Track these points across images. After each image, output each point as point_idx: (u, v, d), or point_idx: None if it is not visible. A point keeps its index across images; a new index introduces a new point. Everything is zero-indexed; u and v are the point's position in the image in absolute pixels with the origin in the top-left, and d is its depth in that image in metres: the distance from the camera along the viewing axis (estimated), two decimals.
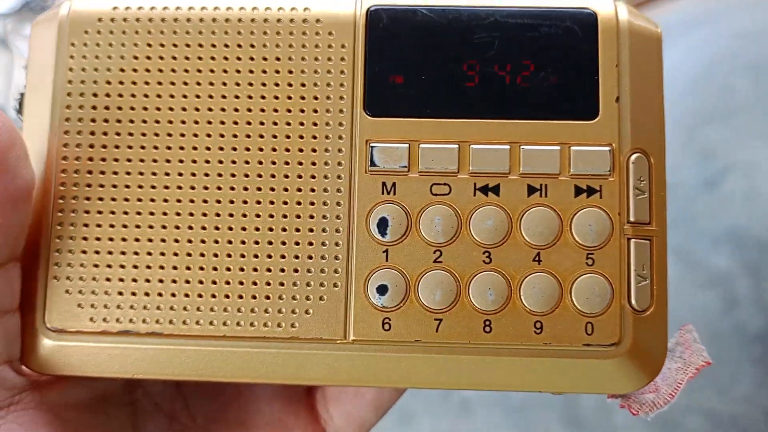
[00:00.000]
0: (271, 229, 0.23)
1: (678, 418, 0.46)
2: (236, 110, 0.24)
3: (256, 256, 0.23)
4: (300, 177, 0.23)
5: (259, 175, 0.23)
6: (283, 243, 0.23)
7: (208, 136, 0.24)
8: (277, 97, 0.24)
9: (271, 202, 0.23)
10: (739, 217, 0.49)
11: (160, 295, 0.23)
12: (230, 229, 0.23)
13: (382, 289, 0.23)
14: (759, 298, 0.47)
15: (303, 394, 0.28)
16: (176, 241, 0.23)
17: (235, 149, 0.23)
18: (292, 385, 0.29)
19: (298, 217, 0.23)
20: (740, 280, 0.47)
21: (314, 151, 0.23)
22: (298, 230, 0.23)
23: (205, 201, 0.23)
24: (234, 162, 0.23)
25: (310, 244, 0.23)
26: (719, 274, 0.48)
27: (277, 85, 0.24)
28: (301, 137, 0.23)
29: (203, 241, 0.23)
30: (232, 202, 0.23)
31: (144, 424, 0.27)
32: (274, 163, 0.23)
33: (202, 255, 0.23)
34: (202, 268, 0.23)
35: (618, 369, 0.22)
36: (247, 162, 0.23)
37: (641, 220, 0.23)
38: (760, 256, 0.48)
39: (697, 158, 0.51)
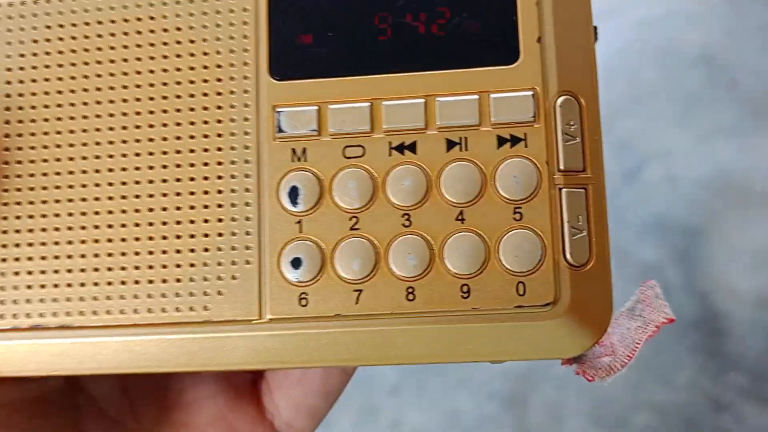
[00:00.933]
0: (178, 208, 0.22)
1: (626, 416, 0.45)
2: (138, 86, 0.22)
3: (164, 237, 0.22)
4: (206, 150, 0.22)
5: (164, 152, 0.22)
6: (192, 221, 0.22)
7: (111, 115, 0.22)
8: (179, 69, 0.22)
9: (178, 180, 0.22)
10: (661, 205, 0.48)
11: (68, 285, 0.22)
12: (137, 211, 0.22)
13: (296, 263, 0.21)
14: (689, 284, 0.46)
15: (248, 388, 0.27)
16: (82, 227, 0.22)
17: (138, 127, 0.22)
18: (235, 379, 0.27)
19: (206, 192, 0.22)
20: (669, 269, 0.46)
21: (219, 121, 0.22)
22: (206, 207, 0.22)
23: (110, 184, 0.22)
24: (138, 140, 0.22)
25: (220, 220, 0.22)
26: (648, 264, 0.47)
27: (178, 56, 0.22)
28: (206, 108, 0.22)
29: (110, 226, 0.22)
30: (137, 182, 0.22)
31: (88, 428, 0.26)
32: (179, 138, 0.22)
33: (109, 240, 0.22)
34: (110, 255, 0.22)
35: (557, 330, 0.20)
36: (151, 139, 0.22)
37: (573, 167, 0.21)
38: (685, 242, 0.47)
39: (614, 151, 0.50)
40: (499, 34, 0.21)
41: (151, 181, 0.22)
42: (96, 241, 0.22)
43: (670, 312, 0.24)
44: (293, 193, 0.21)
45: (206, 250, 0.22)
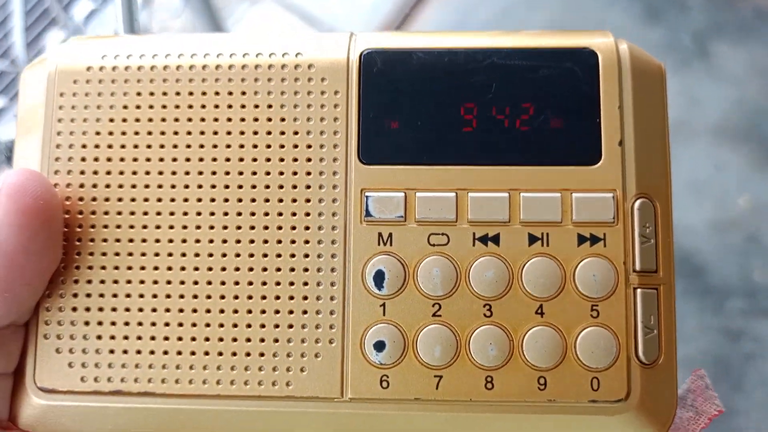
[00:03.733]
0: (264, 283, 0.22)
1: None
2: (227, 160, 0.23)
3: (249, 311, 0.22)
4: (293, 228, 0.23)
5: (252, 227, 0.23)
6: (277, 297, 0.22)
7: (200, 187, 0.23)
8: (269, 146, 0.23)
9: (264, 255, 0.23)
10: None
11: (152, 353, 0.22)
12: (222, 283, 0.23)
13: (379, 346, 0.22)
14: None
15: None
16: (168, 296, 0.23)
17: (227, 200, 0.23)
18: None
19: (292, 270, 0.22)
20: None
21: (307, 201, 0.23)
22: (291, 284, 0.22)
23: (196, 255, 0.23)
24: (226, 214, 0.23)
25: (305, 298, 0.22)
26: None
27: (268, 133, 0.23)
28: (294, 187, 0.23)
29: (195, 296, 0.23)
30: (224, 254, 0.23)
31: None
32: (267, 214, 0.23)
33: (194, 311, 0.23)
34: (194, 325, 0.22)
35: (626, 425, 0.22)
36: (239, 213, 0.23)
37: (647, 268, 0.22)
38: None
39: None
40: (583, 136, 0.22)
41: (237, 255, 0.23)
42: (180, 310, 0.23)
43: (720, 404, 0.25)
44: (378, 277, 0.22)
45: (290, 326, 0.22)
